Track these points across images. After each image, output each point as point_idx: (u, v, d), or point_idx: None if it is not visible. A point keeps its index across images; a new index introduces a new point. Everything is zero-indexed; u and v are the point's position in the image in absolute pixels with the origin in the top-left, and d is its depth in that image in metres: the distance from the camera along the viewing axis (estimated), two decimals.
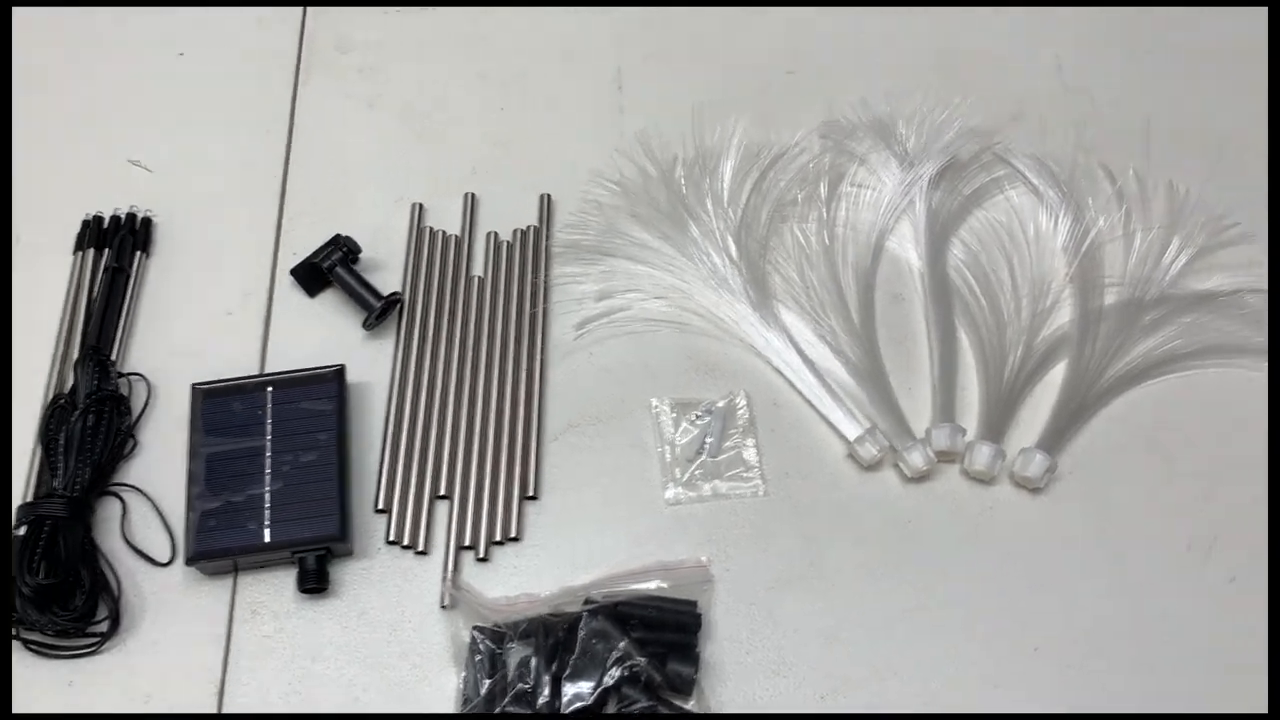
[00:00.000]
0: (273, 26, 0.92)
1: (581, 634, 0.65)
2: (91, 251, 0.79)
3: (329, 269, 0.76)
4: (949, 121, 0.85)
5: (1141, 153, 0.86)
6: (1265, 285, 0.80)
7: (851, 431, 0.73)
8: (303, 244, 0.79)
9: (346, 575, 0.70)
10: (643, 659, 0.63)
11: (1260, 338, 0.77)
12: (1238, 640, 0.68)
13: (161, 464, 0.72)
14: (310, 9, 0.92)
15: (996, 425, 0.74)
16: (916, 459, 0.71)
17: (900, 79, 0.89)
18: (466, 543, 0.70)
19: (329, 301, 0.79)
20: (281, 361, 0.76)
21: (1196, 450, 0.74)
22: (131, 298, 0.78)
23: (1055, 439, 0.73)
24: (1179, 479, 0.73)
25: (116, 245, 0.79)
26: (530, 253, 0.80)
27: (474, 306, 0.78)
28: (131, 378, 0.75)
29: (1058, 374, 0.76)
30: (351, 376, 0.75)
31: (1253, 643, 0.68)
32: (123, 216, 0.81)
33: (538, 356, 0.76)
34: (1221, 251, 0.82)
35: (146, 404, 0.75)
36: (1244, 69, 0.91)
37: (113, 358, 0.75)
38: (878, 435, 0.72)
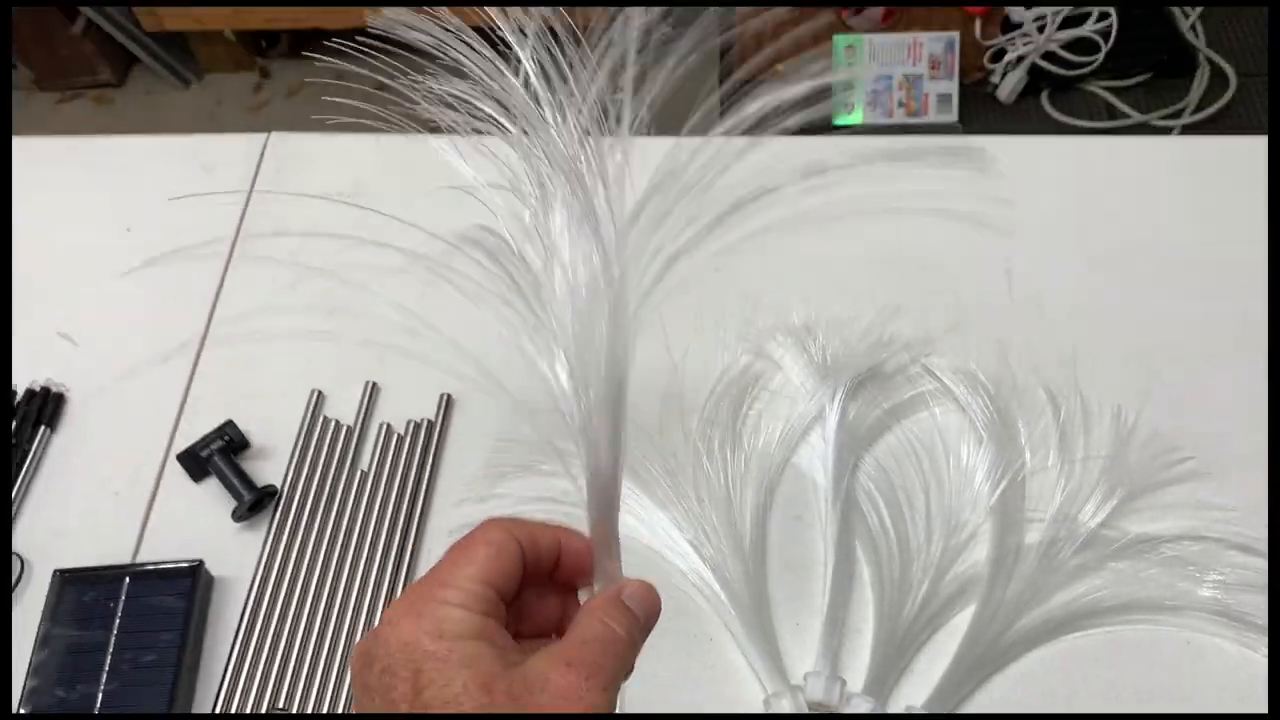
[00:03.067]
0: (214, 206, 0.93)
1: None
2: None
3: (207, 458, 0.75)
4: (875, 328, 0.80)
5: (1091, 375, 0.79)
6: (1216, 532, 0.71)
7: None
8: (205, 425, 0.78)
9: None
10: None
11: (1205, 592, 0.69)
12: None
13: (19, 657, 0.70)
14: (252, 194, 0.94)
15: (885, 677, 0.66)
16: (785, 710, 0.65)
17: (834, 282, 0.85)
18: None
19: (213, 488, 0.77)
20: (156, 547, 0.75)
21: None
22: (27, 474, 0.79)
23: (947, 699, 0.65)
24: None
25: (19, 419, 0.80)
26: (419, 449, 0.78)
27: (350, 502, 0.76)
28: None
29: (965, 620, 0.69)
30: (220, 570, 0.73)
31: None
32: (36, 389, 0.82)
33: (405, 562, 0.73)
34: (1169, 489, 0.74)
35: (15, 585, 0.74)
36: (1222, 292, 0.84)
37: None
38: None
